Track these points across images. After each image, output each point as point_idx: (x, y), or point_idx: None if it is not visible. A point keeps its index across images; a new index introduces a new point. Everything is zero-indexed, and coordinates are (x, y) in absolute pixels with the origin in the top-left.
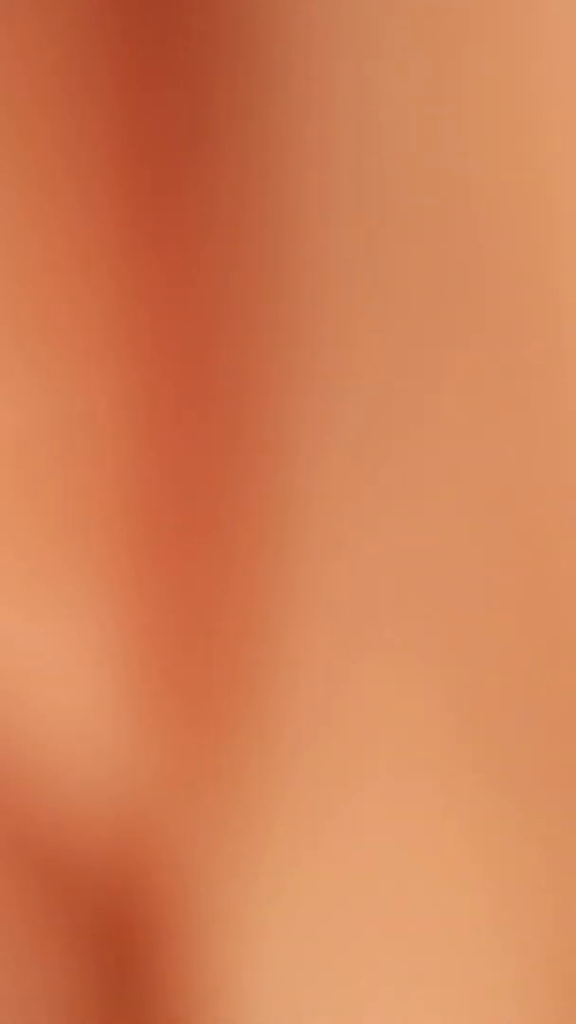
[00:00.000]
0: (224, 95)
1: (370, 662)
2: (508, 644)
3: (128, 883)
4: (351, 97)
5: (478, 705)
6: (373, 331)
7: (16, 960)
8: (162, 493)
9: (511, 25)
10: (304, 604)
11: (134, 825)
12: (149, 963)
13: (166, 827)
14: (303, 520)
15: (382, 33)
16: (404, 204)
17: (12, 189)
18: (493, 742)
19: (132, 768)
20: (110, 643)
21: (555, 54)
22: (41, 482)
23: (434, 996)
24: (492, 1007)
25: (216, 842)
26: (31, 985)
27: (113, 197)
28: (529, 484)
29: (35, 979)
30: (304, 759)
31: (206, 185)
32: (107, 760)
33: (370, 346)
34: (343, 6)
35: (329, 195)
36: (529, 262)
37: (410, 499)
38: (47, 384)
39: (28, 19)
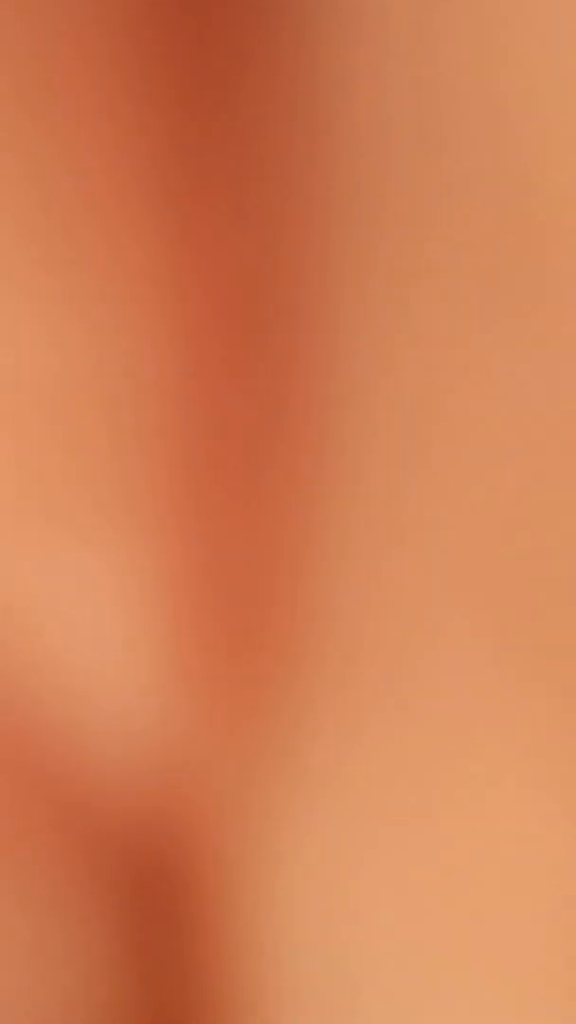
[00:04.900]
0: (267, 64)
1: (395, 624)
2: (569, 634)
3: (159, 837)
4: (405, 68)
5: (530, 681)
6: (425, 303)
7: (40, 913)
8: (205, 441)
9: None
10: (346, 564)
11: (165, 775)
12: (178, 911)
13: (198, 777)
14: (355, 479)
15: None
16: (462, 177)
17: (47, 122)
18: (546, 725)
19: (163, 719)
20: (146, 595)
21: None
22: (79, 427)
23: (469, 964)
24: (531, 990)
25: (248, 791)
26: (52, 940)
27: (157, 136)
28: None
29: (60, 934)
30: (335, 711)
31: (256, 132)
32: (138, 711)
33: (422, 319)
34: None
35: (383, 156)
36: None
37: (469, 471)
38: (86, 325)
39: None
